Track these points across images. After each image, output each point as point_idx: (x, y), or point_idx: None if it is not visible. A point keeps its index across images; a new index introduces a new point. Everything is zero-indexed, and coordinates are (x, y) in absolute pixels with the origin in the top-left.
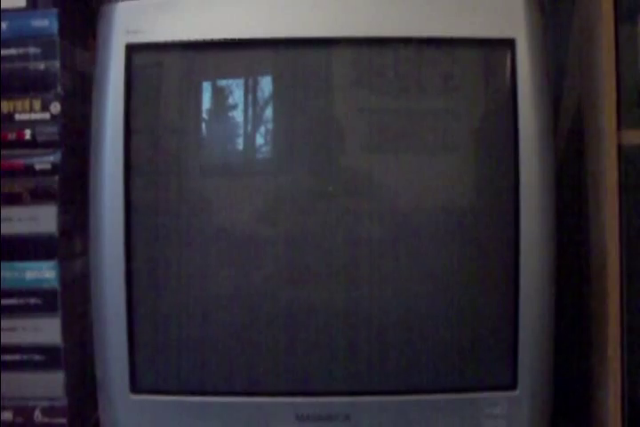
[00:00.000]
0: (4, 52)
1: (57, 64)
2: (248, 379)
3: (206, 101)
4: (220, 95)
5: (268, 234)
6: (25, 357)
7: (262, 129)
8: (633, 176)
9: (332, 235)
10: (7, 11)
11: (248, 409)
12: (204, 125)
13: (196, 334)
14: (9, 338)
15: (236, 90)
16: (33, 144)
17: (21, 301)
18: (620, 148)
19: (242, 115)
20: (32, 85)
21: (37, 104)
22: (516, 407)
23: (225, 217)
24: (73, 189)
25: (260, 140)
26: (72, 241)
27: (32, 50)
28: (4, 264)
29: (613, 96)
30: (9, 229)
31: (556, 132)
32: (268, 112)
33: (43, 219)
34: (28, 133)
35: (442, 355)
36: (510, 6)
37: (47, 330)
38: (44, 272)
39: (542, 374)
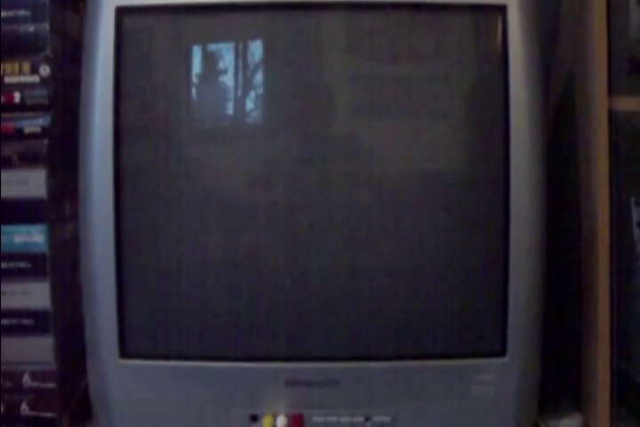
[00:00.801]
0: None
1: (47, 27)
2: (237, 344)
3: (196, 65)
4: (210, 59)
5: (259, 198)
6: (14, 321)
7: (252, 94)
8: (623, 142)
9: (322, 199)
10: None
11: (236, 374)
12: (193, 89)
13: (185, 299)
14: None
15: (227, 54)
16: (22, 107)
17: (10, 265)
18: (610, 113)
19: (232, 79)
20: (21, 48)
21: (27, 67)
22: (505, 374)
23: (215, 181)
24: (62, 153)
25: (250, 104)
26: (61, 205)
27: (22, 12)
28: None
29: (605, 63)
30: None
31: (548, 99)
32: (259, 77)
33: (32, 182)
34: (17, 96)
35: (431, 321)
36: None
37: (36, 294)
38: (32, 236)
39: (531, 341)
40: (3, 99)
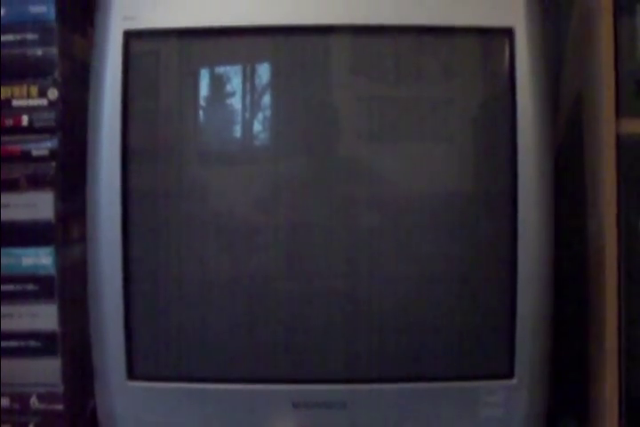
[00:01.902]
0: (2, 38)
1: (54, 50)
2: (245, 366)
3: (203, 88)
4: (217, 82)
5: (266, 221)
6: (22, 343)
7: (260, 117)
8: (630, 164)
9: (329, 222)
10: None
11: (244, 396)
12: (201, 112)
13: (192, 321)
14: (6, 324)
15: (233, 77)
16: (30, 130)
17: (18, 287)
18: (618, 136)
19: (239, 102)
20: (30, 71)
21: (35, 90)
22: (513, 396)
23: (222, 204)
24: (70, 176)
25: (257, 127)
26: (69, 227)
27: (30, 36)
28: (1, 250)
29: (612, 85)
30: (6, 215)
31: (555, 122)
32: (266, 100)
33: (40, 205)
34: (25, 119)
35: (439, 343)
36: None
37: (44, 316)
38: (40, 258)
39: (540, 363)
40: (11, 122)
